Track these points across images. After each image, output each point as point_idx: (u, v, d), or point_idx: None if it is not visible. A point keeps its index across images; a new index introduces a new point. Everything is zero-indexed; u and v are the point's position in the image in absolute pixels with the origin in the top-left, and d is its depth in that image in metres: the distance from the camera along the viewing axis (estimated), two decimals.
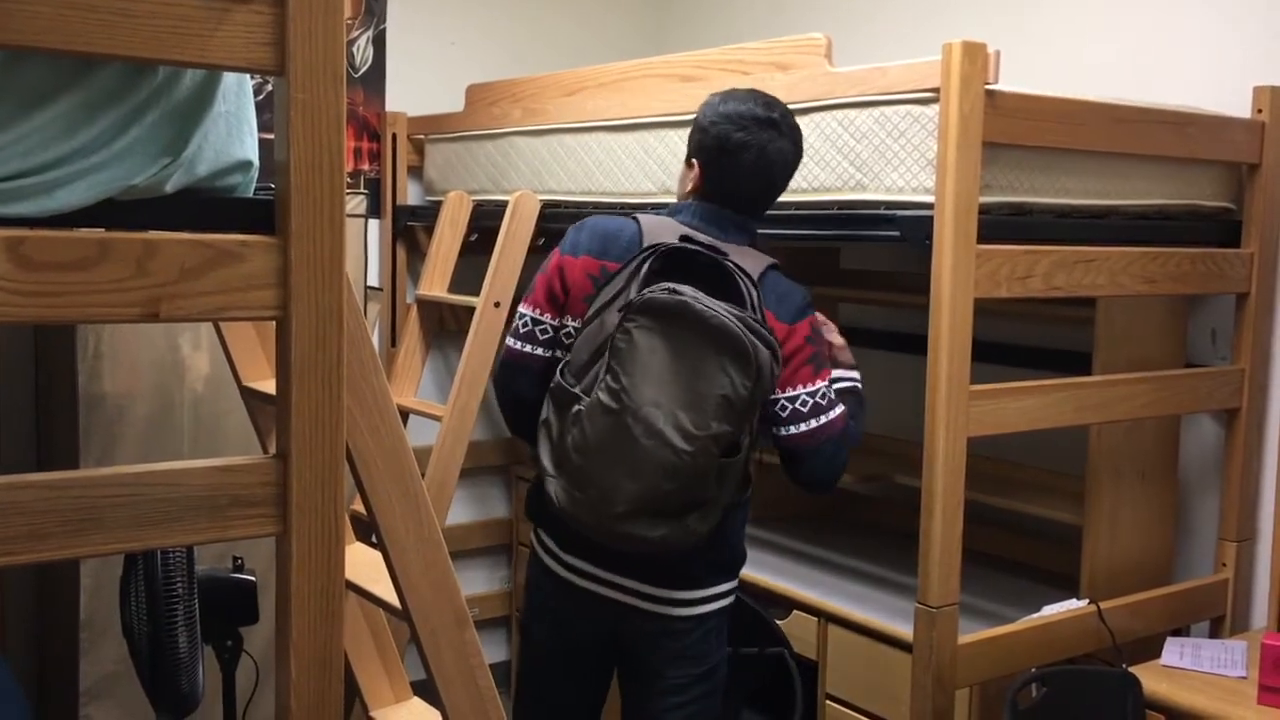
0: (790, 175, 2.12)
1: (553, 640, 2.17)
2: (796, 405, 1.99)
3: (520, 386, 2.08)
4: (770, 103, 2.08)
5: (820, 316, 2.16)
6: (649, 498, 1.86)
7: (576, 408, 1.89)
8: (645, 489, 1.85)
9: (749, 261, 2.01)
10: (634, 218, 2.09)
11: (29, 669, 2.94)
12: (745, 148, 2.03)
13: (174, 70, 1.39)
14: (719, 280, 1.94)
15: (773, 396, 1.97)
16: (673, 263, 1.96)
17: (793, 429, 1.99)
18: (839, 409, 2.03)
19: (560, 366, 1.98)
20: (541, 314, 2.08)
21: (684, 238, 2.00)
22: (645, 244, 2.01)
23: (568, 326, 2.06)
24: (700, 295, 1.87)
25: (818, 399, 2.00)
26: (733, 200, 2.08)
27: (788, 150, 2.08)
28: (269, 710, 1.67)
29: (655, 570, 2.04)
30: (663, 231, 2.03)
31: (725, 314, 1.85)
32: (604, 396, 1.86)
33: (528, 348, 2.07)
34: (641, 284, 1.93)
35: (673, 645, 2.08)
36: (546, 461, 1.94)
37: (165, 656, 2.01)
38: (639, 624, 2.08)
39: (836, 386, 2.10)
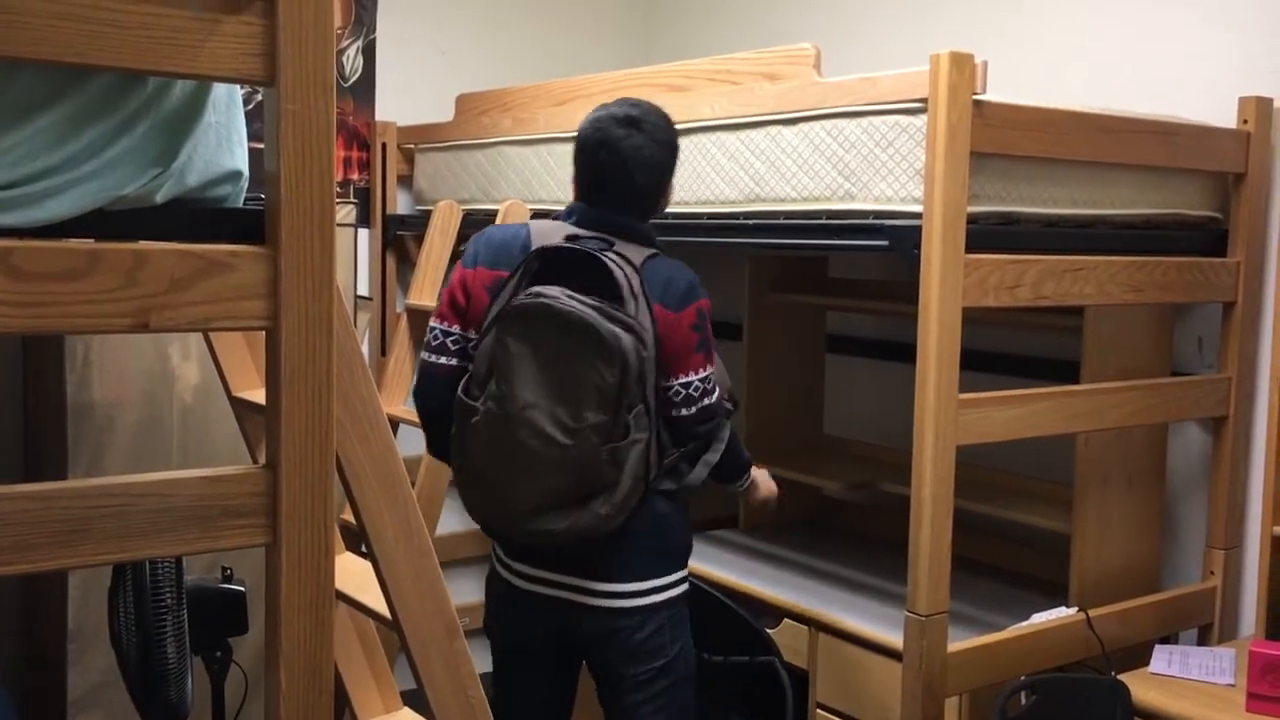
0: (654, 172, 2.16)
1: (509, 640, 2.25)
2: (689, 391, 2.08)
3: (436, 396, 2.13)
4: (636, 104, 2.16)
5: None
6: (547, 493, 1.95)
7: (474, 419, 1.98)
8: (541, 487, 1.95)
9: (631, 252, 2.08)
10: (526, 224, 2.18)
11: (17, 680, 2.93)
12: (601, 146, 2.12)
13: (164, 81, 1.39)
14: (599, 275, 2.01)
15: (667, 384, 2.07)
16: (554, 264, 2.03)
17: (684, 411, 2.09)
18: (718, 390, 2.15)
19: (464, 381, 2.05)
20: (450, 325, 2.13)
21: (569, 237, 2.07)
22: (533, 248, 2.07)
23: (473, 338, 2.11)
24: (563, 294, 1.95)
25: (707, 385, 2.10)
26: (603, 199, 2.14)
27: (644, 145, 2.13)
28: None
29: (596, 565, 2.10)
30: (551, 235, 2.09)
31: (585, 308, 1.93)
32: (492, 405, 1.96)
33: (441, 359, 2.13)
34: (524, 290, 2.01)
35: (625, 643, 2.12)
36: (458, 474, 2.05)
37: (154, 667, 2.00)
38: (588, 623, 2.12)
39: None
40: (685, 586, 2.21)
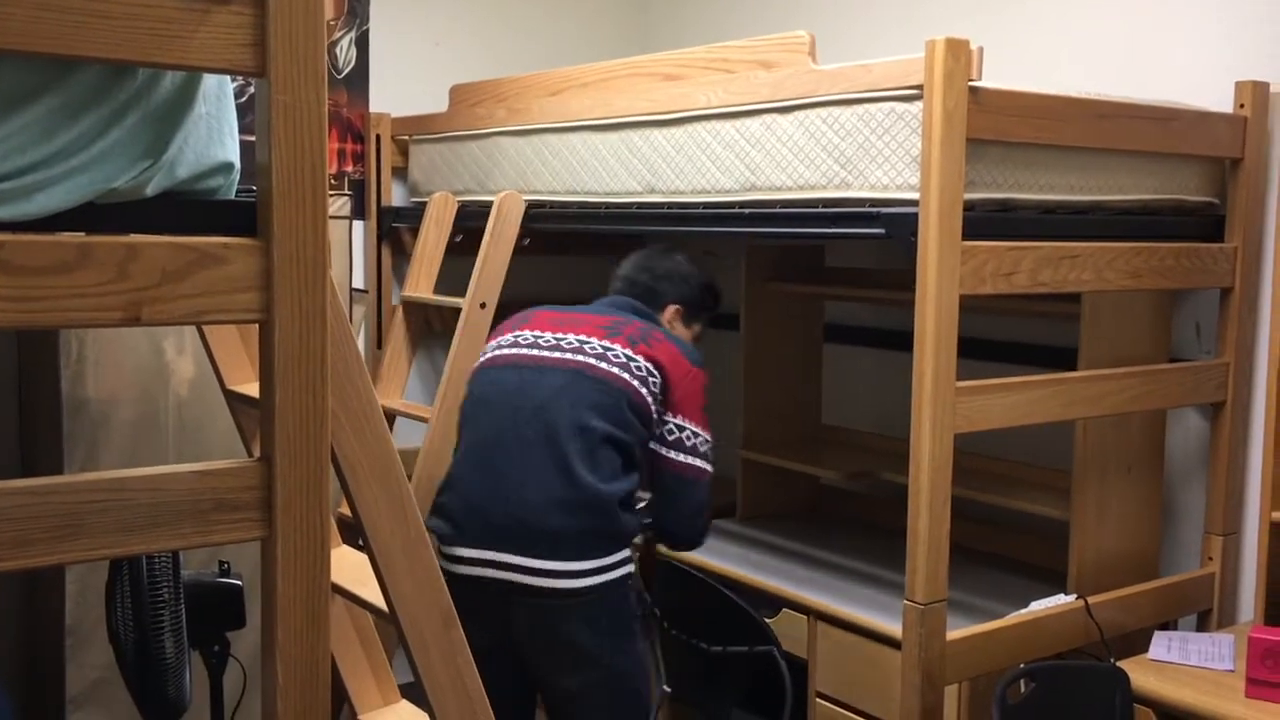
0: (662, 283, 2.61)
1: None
2: None
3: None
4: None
5: None
6: None
7: None
8: None
9: None
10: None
11: (15, 676, 2.92)
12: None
13: (154, 72, 1.38)
14: None
15: None
16: None
17: None
18: None
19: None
20: None
21: None
22: None
23: None
24: None
25: None
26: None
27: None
28: (257, 715, 1.67)
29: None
30: None
31: None
32: None
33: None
34: None
35: (560, 640, 2.25)
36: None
37: (152, 662, 2.00)
38: (520, 611, 2.25)
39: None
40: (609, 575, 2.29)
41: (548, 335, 2.42)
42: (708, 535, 2.49)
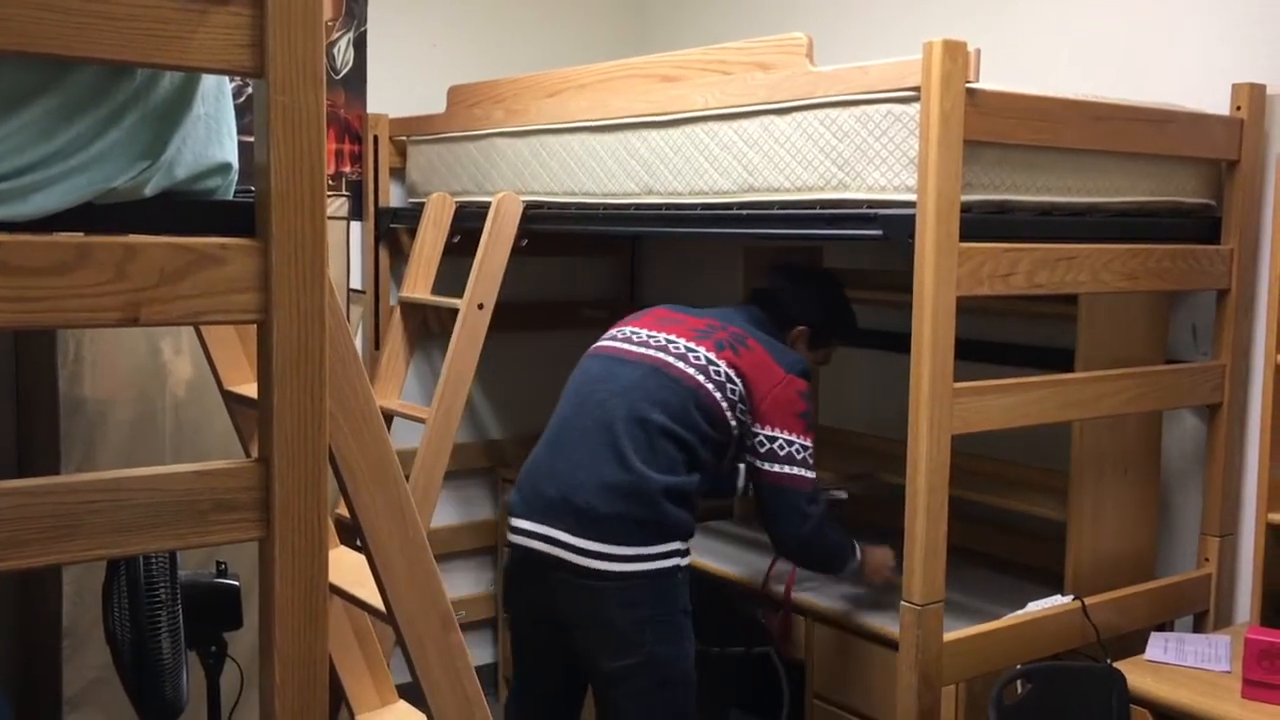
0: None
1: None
2: None
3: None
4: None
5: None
6: None
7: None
8: None
9: None
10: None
11: (11, 677, 2.92)
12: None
13: (152, 73, 1.38)
14: None
15: None
16: None
17: None
18: None
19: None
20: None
21: None
22: None
23: None
24: None
25: None
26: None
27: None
28: (254, 715, 1.67)
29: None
30: None
31: None
32: None
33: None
34: None
35: (601, 629, 2.29)
36: None
37: (149, 663, 2.00)
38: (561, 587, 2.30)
39: None
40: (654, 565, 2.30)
41: (643, 332, 2.51)
42: (817, 542, 2.47)
